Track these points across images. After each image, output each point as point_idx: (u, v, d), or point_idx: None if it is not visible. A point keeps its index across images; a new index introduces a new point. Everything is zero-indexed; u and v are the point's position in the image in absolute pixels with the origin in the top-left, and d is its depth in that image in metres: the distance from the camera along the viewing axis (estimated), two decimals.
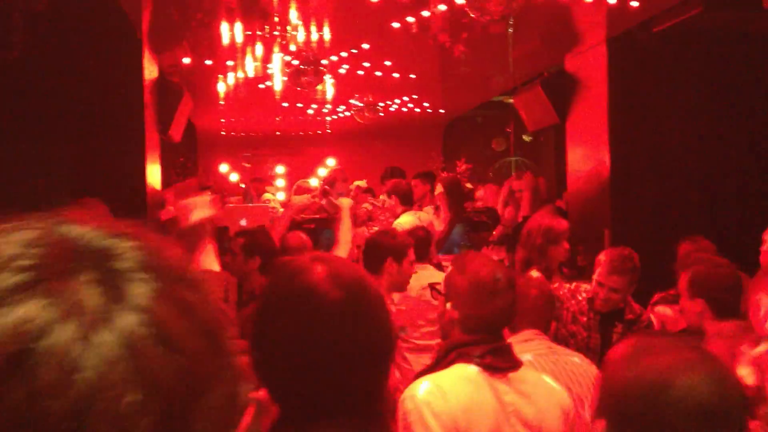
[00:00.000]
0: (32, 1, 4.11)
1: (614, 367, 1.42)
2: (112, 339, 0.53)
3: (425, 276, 4.69)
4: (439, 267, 6.07)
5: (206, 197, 3.00)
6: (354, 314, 1.31)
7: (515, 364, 2.39)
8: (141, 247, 0.61)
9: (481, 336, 2.40)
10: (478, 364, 2.33)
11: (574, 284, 4.11)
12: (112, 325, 0.54)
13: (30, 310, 0.53)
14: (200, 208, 2.87)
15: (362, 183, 6.92)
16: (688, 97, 6.53)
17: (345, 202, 5.15)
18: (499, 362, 2.36)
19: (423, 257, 4.93)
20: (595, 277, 3.95)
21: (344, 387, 1.31)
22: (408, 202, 6.51)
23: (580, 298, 3.98)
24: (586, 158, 6.98)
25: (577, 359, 3.02)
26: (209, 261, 2.83)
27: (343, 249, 4.66)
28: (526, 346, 2.90)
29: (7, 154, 5.52)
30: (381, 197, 6.63)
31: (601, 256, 3.97)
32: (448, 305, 2.50)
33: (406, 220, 6.21)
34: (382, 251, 4.35)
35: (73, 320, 0.53)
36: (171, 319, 0.57)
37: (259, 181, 7.04)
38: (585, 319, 3.91)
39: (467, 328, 2.43)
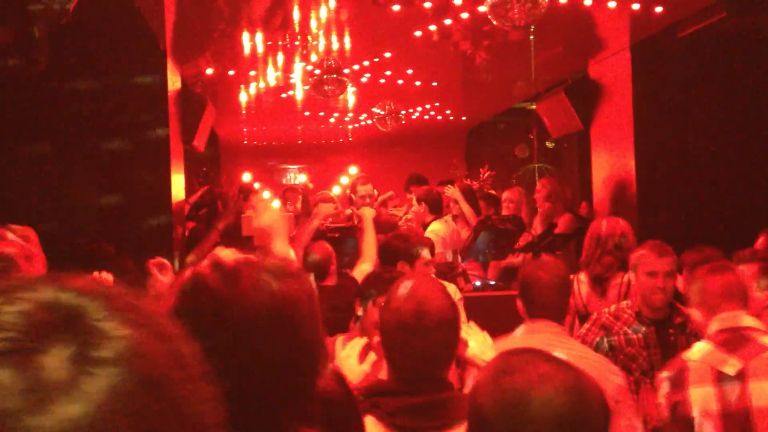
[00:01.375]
0: (56, 15, 4.15)
1: (476, 392, 1.41)
2: (75, 408, 0.53)
3: None
4: (465, 276, 6.04)
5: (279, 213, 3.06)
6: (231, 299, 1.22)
7: (443, 425, 1.94)
8: (112, 305, 0.61)
9: (406, 383, 2.04)
10: (386, 425, 1.98)
11: (613, 307, 3.84)
12: (79, 392, 0.54)
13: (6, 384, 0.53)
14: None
15: (385, 196, 6.92)
16: (713, 102, 6.46)
17: (367, 213, 5.14)
18: (417, 422, 1.98)
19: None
20: (636, 276, 3.67)
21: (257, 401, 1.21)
22: (438, 210, 6.49)
23: (626, 315, 3.72)
24: (611, 165, 6.92)
25: (592, 356, 2.96)
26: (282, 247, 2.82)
27: (368, 261, 4.66)
28: (531, 337, 2.86)
29: (34, 166, 5.58)
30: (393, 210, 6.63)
31: (640, 251, 3.70)
32: (376, 338, 2.24)
33: (436, 228, 6.21)
34: (394, 254, 4.36)
35: (38, 391, 0.53)
36: (139, 392, 0.57)
37: (292, 191, 7.07)
38: (640, 336, 3.64)
39: (393, 369, 2.10)
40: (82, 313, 0.59)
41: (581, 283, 4.54)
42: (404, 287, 2.09)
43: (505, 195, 7.17)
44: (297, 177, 13.29)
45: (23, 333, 0.56)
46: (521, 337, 2.94)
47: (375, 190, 6.38)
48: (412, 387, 2.01)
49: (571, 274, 4.42)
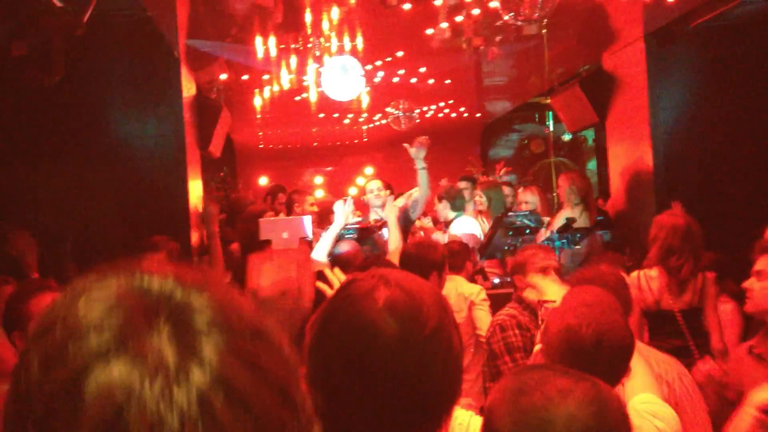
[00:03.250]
0: (71, 27, 4.19)
1: (492, 416, 1.36)
2: (189, 397, 0.55)
3: (450, 287, 4.45)
4: (483, 274, 6.03)
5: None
6: (410, 354, 1.19)
7: None
8: (214, 301, 0.62)
9: None
10: None
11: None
12: (188, 383, 0.56)
13: (118, 372, 0.55)
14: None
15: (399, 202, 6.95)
16: (729, 91, 6.40)
17: (392, 215, 5.17)
18: None
19: (458, 269, 4.83)
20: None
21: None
22: (459, 207, 6.51)
23: None
24: (628, 157, 6.89)
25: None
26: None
27: (393, 257, 4.66)
28: None
29: (52, 175, 5.63)
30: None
31: None
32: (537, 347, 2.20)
33: (458, 225, 6.26)
34: (428, 265, 4.12)
35: (158, 378, 0.55)
36: (241, 376, 0.58)
37: (299, 193, 7.07)
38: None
39: None
40: (168, 295, 0.61)
41: (651, 279, 4.31)
42: (587, 306, 2.04)
43: (521, 195, 7.16)
44: (313, 179, 13.31)
45: (124, 323, 0.58)
46: None
47: (387, 190, 6.37)
48: None
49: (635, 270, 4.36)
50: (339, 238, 5.05)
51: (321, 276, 2.87)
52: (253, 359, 0.60)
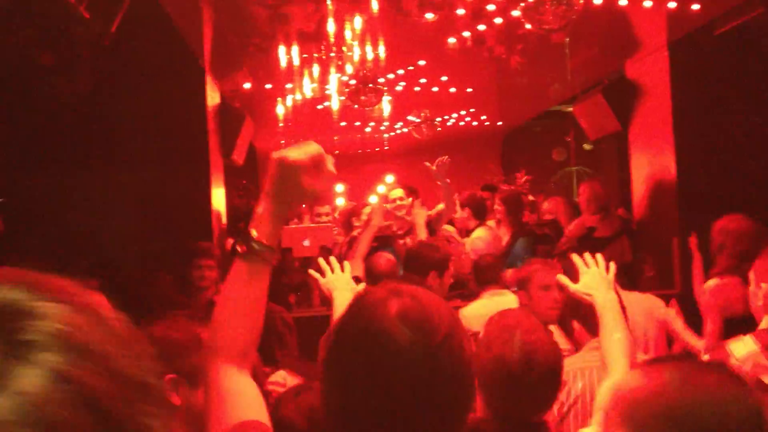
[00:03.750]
0: (98, 37, 4.24)
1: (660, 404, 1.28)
2: (8, 403, 0.52)
3: (503, 302, 4.19)
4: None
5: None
6: (423, 361, 1.20)
7: None
8: (62, 316, 0.59)
9: (503, 426, 2.05)
10: None
11: None
12: (9, 390, 0.53)
13: None
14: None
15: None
16: (753, 100, 6.35)
17: (419, 217, 5.21)
18: None
19: (492, 282, 4.79)
20: None
21: None
22: (481, 215, 6.48)
23: None
24: (651, 165, 6.84)
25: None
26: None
27: None
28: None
29: (77, 183, 5.70)
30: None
31: None
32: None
33: (481, 235, 6.20)
34: (428, 264, 4.25)
35: None
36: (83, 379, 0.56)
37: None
38: None
39: (491, 412, 2.09)
40: (8, 302, 0.58)
41: (733, 287, 4.10)
42: (509, 332, 2.06)
43: (545, 205, 7.14)
44: (335, 187, 13.33)
45: None
46: None
47: (410, 197, 6.38)
48: (511, 430, 2.02)
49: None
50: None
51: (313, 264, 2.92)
52: (83, 380, 0.56)
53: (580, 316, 2.91)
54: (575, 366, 2.67)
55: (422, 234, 5.15)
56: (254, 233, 1.41)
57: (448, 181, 5.95)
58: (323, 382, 1.28)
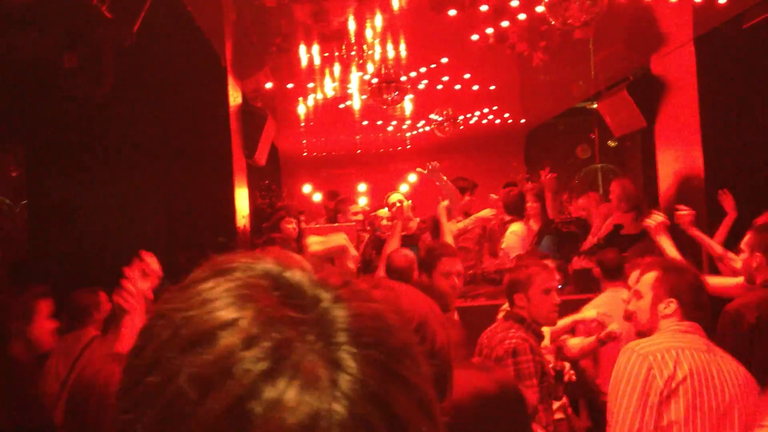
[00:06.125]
0: (122, 37, 4.25)
1: None
2: (344, 412, 0.53)
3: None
4: None
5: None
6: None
7: None
8: (358, 313, 0.59)
9: None
10: None
11: None
12: (342, 398, 0.53)
13: (285, 394, 0.52)
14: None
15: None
16: None
17: (440, 208, 5.34)
18: None
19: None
20: None
21: None
22: (517, 212, 6.47)
23: None
24: (677, 161, 6.75)
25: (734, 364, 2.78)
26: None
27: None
28: (682, 337, 2.68)
29: (100, 183, 5.73)
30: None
31: None
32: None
33: (515, 229, 6.25)
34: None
35: (315, 394, 0.53)
36: (392, 392, 0.56)
37: (344, 202, 7.08)
38: None
39: None
40: (313, 297, 0.59)
41: None
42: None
43: (579, 201, 7.10)
44: (358, 186, 13.33)
45: (279, 338, 0.55)
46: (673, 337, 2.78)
47: (409, 200, 6.41)
48: None
49: None
50: (381, 243, 5.11)
51: None
52: (401, 374, 0.57)
53: None
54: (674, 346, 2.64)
55: (447, 225, 5.30)
56: None
57: (445, 177, 6.77)
58: None
